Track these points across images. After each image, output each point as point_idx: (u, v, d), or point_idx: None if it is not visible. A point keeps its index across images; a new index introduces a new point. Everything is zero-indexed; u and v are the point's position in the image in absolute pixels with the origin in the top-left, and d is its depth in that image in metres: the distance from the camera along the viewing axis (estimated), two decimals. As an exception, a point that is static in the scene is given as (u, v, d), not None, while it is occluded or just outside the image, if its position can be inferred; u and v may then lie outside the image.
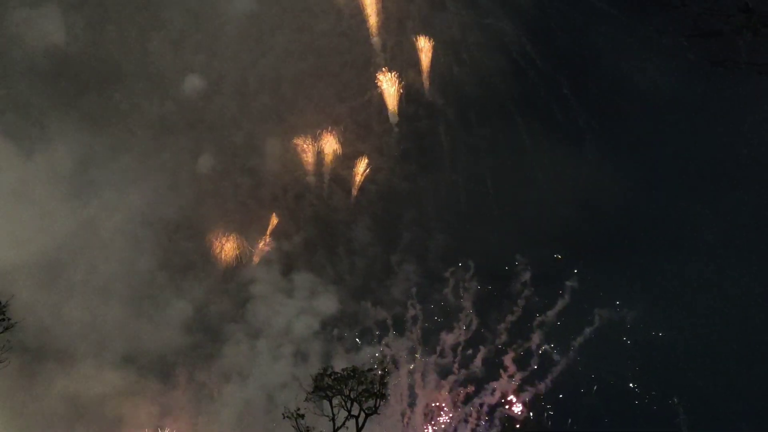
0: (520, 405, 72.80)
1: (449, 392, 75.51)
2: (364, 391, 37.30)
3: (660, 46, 71.11)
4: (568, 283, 72.95)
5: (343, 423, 37.19)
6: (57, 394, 63.23)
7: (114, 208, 71.80)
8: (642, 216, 74.61)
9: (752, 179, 70.04)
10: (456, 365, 76.82)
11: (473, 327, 77.88)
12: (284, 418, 36.83)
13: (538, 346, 74.71)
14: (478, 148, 79.91)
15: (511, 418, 72.96)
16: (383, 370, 38.07)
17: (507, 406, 73.24)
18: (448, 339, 78.51)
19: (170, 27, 78.60)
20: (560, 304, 73.85)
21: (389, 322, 77.86)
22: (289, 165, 79.92)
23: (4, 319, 31.47)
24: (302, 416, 36.71)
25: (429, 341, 76.46)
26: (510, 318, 76.96)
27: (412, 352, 77.27)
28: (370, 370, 38.19)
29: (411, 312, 78.68)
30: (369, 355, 75.32)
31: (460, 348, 77.23)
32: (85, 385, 64.32)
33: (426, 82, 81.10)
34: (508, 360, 75.90)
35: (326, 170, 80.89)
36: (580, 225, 73.00)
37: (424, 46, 79.74)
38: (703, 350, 65.36)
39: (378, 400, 37.29)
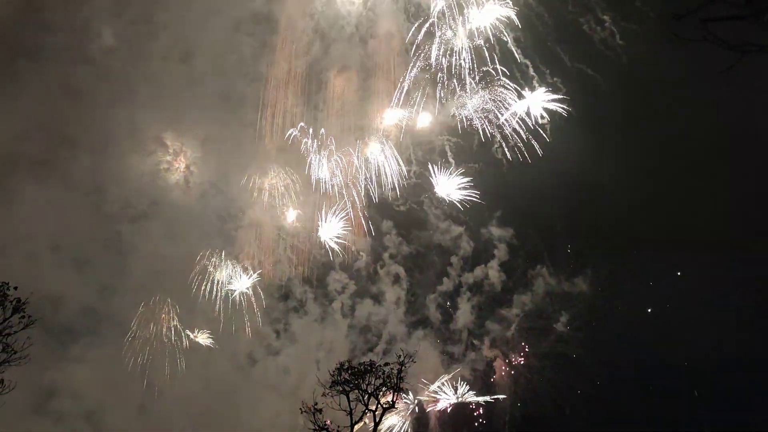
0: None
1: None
2: (381, 385, 40.44)
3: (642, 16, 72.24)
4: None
5: (361, 417, 40.09)
6: None
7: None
8: (632, 202, 78.24)
9: (749, 161, 73.27)
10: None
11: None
12: (302, 412, 39.24)
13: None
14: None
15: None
16: (401, 364, 40.79)
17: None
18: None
19: None
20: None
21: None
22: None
23: (24, 317, 31.81)
24: (320, 411, 39.24)
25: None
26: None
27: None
28: (387, 364, 41.09)
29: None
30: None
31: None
32: None
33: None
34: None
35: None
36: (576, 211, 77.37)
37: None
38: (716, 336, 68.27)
39: (395, 394, 40.55)
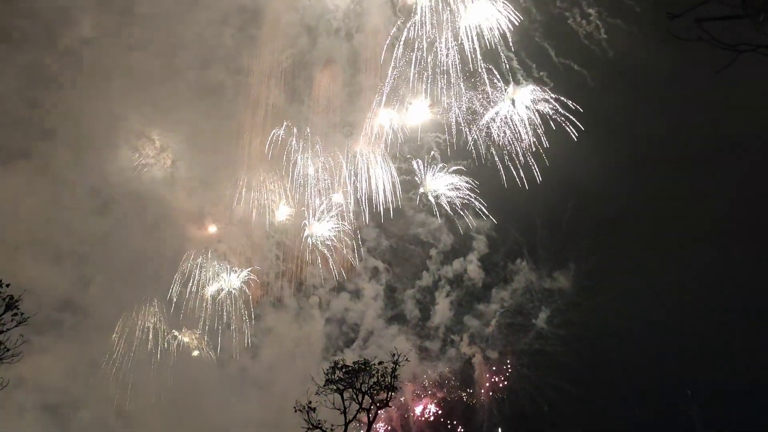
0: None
1: None
2: (375, 384, 40.78)
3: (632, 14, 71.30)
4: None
5: (354, 416, 40.42)
6: None
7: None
8: (616, 197, 78.56)
9: (740, 158, 74.15)
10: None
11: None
12: (295, 411, 39.48)
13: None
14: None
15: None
16: (395, 363, 41.14)
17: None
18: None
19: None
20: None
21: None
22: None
23: (17, 314, 31.70)
24: (313, 409, 39.50)
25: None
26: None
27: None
28: (381, 363, 41.45)
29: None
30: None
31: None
32: None
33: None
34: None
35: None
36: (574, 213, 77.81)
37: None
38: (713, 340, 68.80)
39: (389, 392, 40.91)
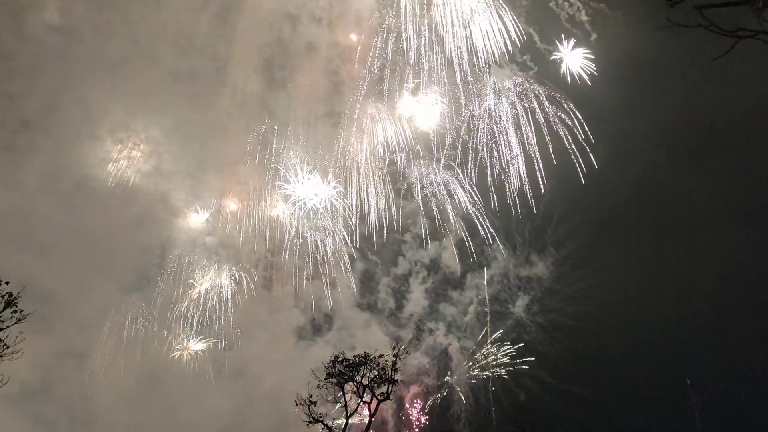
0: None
1: None
2: (376, 377, 41.12)
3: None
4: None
5: (355, 409, 40.74)
6: None
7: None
8: (609, 184, 77.87)
9: (732, 146, 74.27)
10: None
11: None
12: (296, 405, 39.63)
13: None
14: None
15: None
16: (395, 356, 41.47)
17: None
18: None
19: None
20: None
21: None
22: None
23: (16, 311, 31.45)
24: (314, 403, 39.70)
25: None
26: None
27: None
28: (382, 356, 41.73)
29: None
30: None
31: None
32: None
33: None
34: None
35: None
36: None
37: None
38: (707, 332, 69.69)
39: (390, 385, 41.26)
